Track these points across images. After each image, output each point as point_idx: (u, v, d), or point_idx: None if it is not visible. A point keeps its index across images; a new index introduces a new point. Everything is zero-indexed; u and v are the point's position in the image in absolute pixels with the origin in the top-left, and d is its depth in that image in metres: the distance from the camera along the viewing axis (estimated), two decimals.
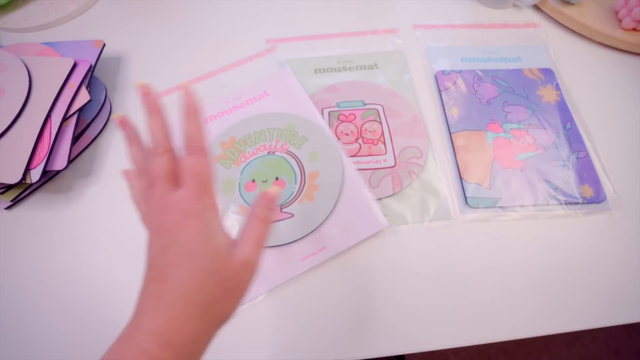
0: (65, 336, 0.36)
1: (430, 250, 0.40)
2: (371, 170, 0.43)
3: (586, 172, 0.43)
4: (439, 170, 0.43)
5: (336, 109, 0.46)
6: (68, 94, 0.42)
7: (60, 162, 0.40)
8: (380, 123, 0.45)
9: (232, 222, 0.40)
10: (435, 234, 0.40)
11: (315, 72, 0.49)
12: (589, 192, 0.42)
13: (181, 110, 0.25)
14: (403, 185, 0.42)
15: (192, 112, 0.25)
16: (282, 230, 0.39)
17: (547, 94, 0.48)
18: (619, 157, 0.44)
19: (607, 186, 0.42)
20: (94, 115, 0.45)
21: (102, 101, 0.46)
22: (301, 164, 0.42)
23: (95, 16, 0.55)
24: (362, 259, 0.39)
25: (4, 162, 0.38)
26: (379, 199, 0.41)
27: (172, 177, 0.24)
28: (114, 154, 0.45)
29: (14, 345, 0.36)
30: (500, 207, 0.41)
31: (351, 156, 0.43)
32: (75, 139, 0.44)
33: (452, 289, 0.38)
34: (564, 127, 0.46)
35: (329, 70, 0.50)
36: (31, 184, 0.41)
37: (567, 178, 0.43)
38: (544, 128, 0.46)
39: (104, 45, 0.47)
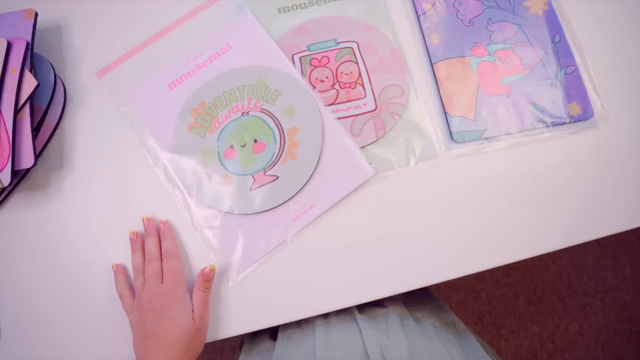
0: (60, 329, 0.38)
1: (420, 192, 0.40)
2: (352, 118, 0.41)
3: (574, 88, 0.41)
4: (422, 107, 0.41)
5: (307, 53, 0.43)
6: (12, 82, 0.38)
7: (27, 159, 0.38)
8: (357, 63, 0.42)
9: (217, 191, 0.39)
10: (423, 175, 0.40)
11: (280, 11, 0.44)
12: (576, 109, 0.41)
13: (161, 234, 0.39)
14: (386, 129, 0.40)
15: (168, 235, 0.39)
16: (269, 193, 0.39)
17: (535, 4, 0.44)
18: (609, 69, 0.42)
19: (595, 101, 0.41)
20: (48, 100, 0.42)
21: (53, 82, 0.42)
22: (278, 121, 0.40)
23: None
24: (353, 210, 0.40)
25: None
26: (363, 147, 0.40)
27: (159, 276, 0.37)
28: (82, 139, 0.42)
29: (11, 341, 0.38)
30: (487, 138, 0.41)
31: (329, 105, 0.41)
32: (36, 129, 0.41)
33: (446, 225, 0.39)
34: (553, 41, 0.43)
35: (294, 7, 0.44)
36: (4, 188, 0.40)
37: (554, 97, 0.41)
38: (532, 45, 0.42)
39: (37, 14, 0.42)
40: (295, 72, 0.41)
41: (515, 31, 0.43)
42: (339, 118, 0.41)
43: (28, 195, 0.41)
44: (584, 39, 0.42)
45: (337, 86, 0.42)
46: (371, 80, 0.42)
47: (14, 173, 0.37)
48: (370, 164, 0.40)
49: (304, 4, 0.44)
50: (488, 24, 0.43)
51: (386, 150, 0.40)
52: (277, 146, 0.40)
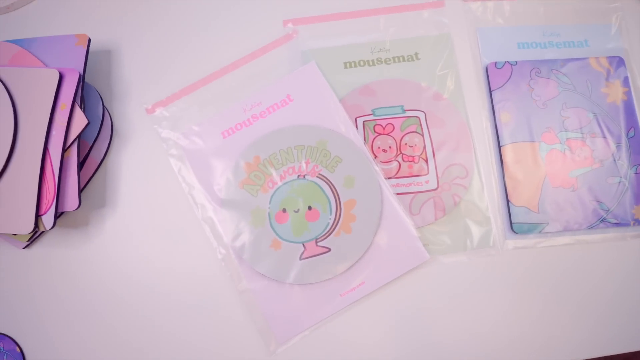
0: None
1: (472, 281, 0.38)
2: (412, 195, 0.39)
3: None
4: (484, 192, 0.40)
5: (372, 117, 0.41)
6: (61, 119, 0.36)
7: (71, 202, 0.36)
8: (422, 135, 0.40)
9: (265, 255, 0.38)
10: (478, 264, 0.39)
11: (346, 66, 0.42)
12: None
13: None
14: (446, 212, 0.39)
15: None
16: (319, 265, 0.38)
17: (613, 92, 0.42)
18: None
19: None
20: (95, 135, 0.39)
21: (101, 116, 0.40)
22: (336, 190, 0.38)
23: None
24: (402, 292, 0.38)
25: (9, 211, 0.34)
26: (419, 228, 0.39)
27: None
28: (125, 178, 0.40)
29: None
30: (548, 232, 0.39)
31: (389, 178, 0.39)
32: (80, 166, 0.39)
33: (494, 317, 0.38)
34: (627, 135, 0.41)
35: (362, 63, 0.42)
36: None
37: (621, 197, 0.40)
38: (604, 137, 0.41)
39: (90, 40, 0.39)
40: (358, 138, 0.39)
41: (589, 120, 0.41)
42: (398, 194, 0.39)
43: (67, 232, 0.39)
44: None
45: (399, 158, 0.40)
46: (435, 156, 0.40)
47: (57, 216, 0.35)
48: (425, 245, 0.38)
49: (372, 60, 0.42)
50: (562, 109, 0.41)
51: (443, 233, 0.39)
52: (332, 217, 0.38)
